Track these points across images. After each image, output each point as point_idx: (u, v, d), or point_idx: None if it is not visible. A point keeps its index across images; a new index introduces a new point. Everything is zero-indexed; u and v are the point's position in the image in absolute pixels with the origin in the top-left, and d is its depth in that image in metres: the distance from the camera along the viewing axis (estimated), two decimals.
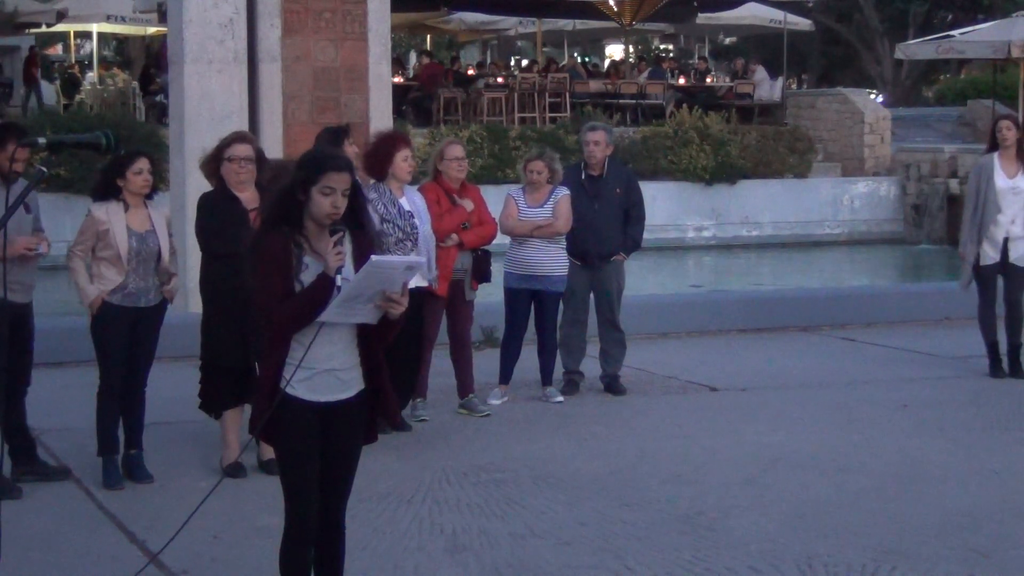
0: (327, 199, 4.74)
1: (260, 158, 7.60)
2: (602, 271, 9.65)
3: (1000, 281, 10.40)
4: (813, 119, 26.55)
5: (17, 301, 7.02)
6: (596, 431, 8.66)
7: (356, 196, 4.85)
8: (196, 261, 7.71)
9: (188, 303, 10.16)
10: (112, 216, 7.19)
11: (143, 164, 7.20)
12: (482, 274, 9.04)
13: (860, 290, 16.02)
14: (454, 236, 8.81)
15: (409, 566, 6.03)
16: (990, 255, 10.25)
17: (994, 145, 10.36)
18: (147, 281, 7.27)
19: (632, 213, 9.70)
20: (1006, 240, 10.21)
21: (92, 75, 29.89)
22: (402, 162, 8.40)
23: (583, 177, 9.68)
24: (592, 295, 9.76)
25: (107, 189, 7.23)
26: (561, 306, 9.69)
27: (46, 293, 11.98)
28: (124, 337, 7.25)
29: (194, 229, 7.65)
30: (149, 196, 7.36)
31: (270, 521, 6.04)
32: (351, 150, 8.23)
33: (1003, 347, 10.41)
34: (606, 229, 9.56)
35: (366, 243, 4.86)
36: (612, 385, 9.76)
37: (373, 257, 4.65)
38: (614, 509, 6.90)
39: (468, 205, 8.89)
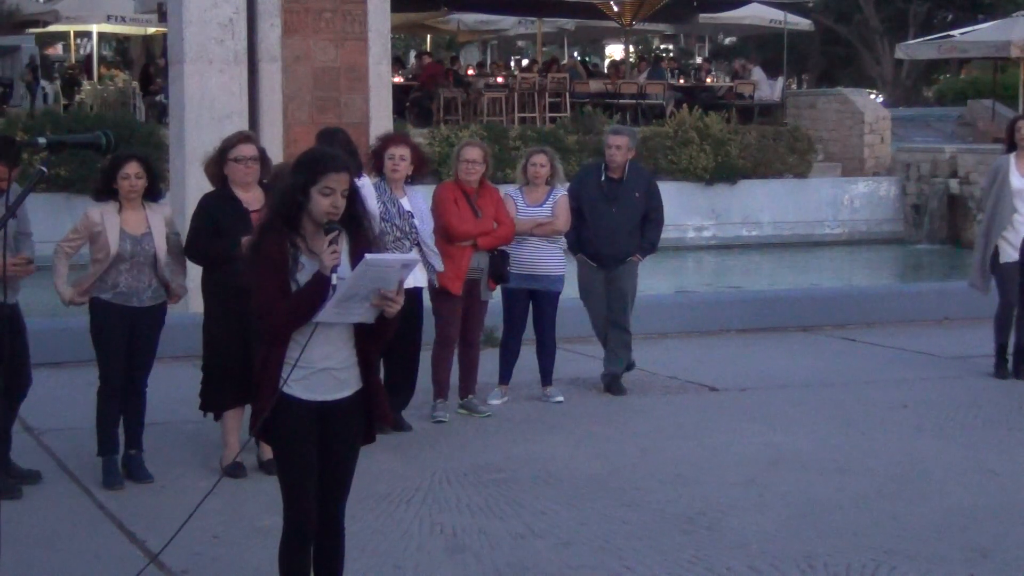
0: (326, 199, 4.74)
1: (263, 157, 7.61)
2: (616, 272, 9.65)
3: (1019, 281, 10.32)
4: (813, 119, 26.54)
5: (6, 302, 7.01)
6: (596, 431, 8.66)
7: (353, 196, 4.86)
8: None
9: (188, 303, 10.14)
10: (106, 217, 7.18)
11: (131, 168, 7.14)
12: (499, 274, 9.03)
13: (860, 290, 16.01)
14: None
15: (409, 566, 6.03)
16: (1010, 253, 10.20)
17: (1011, 146, 10.34)
18: (141, 282, 7.26)
19: (651, 216, 9.70)
20: None
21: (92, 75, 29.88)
22: (387, 160, 8.49)
23: (603, 179, 9.66)
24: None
25: (105, 190, 7.23)
26: (584, 309, 9.75)
27: (46, 293, 12.00)
28: (122, 336, 7.25)
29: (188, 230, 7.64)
30: (153, 198, 7.33)
31: (270, 521, 6.04)
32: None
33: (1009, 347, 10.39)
34: (623, 232, 9.55)
35: (364, 243, 4.86)
36: (612, 385, 9.76)
37: (368, 256, 4.65)
38: (614, 509, 6.90)
39: (490, 224, 8.89)
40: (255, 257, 4.80)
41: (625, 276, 9.69)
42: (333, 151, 5.57)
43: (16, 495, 6.96)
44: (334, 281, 4.70)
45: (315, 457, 4.86)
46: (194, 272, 7.66)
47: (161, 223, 7.31)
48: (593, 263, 9.61)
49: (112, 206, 7.19)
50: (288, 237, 4.78)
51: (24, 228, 7.25)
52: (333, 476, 4.93)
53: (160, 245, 7.25)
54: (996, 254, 10.23)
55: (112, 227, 7.16)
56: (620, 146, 9.61)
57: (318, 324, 4.73)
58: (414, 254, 8.18)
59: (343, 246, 4.80)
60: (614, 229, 9.52)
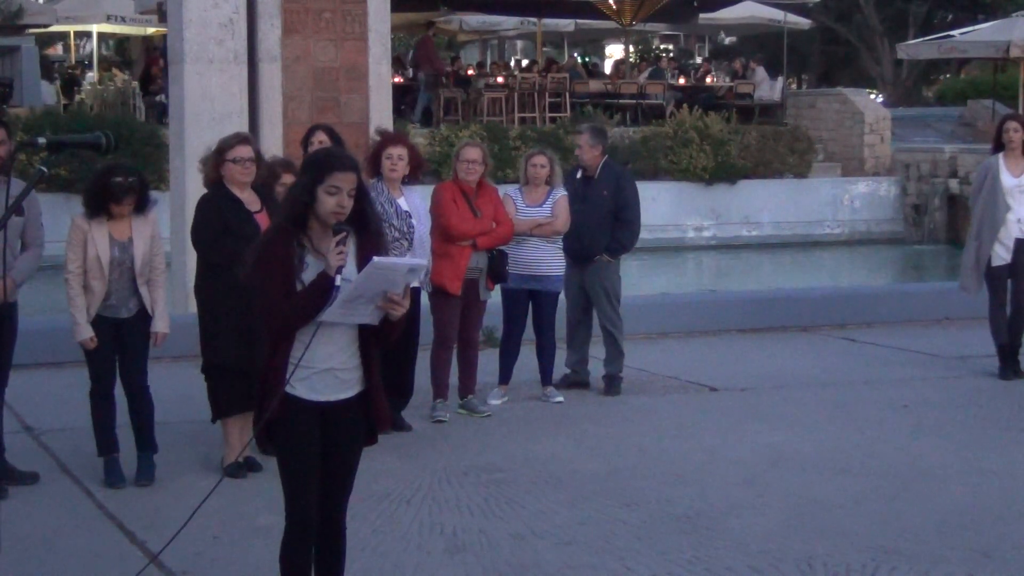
0: (333, 198, 4.74)
1: (258, 158, 7.61)
2: (588, 272, 9.66)
3: (1009, 282, 10.31)
4: (813, 119, 26.55)
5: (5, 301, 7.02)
6: (596, 431, 8.66)
7: (362, 197, 4.85)
8: (194, 261, 7.70)
9: (188, 303, 10.15)
10: (94, 225, 7.17)
11: (129, 200, 7.12)
12: (498, 274, 9.04)
13: (860, 290, 16.01)
14: None
15: (409, 566, 6.03)
16: (1001, 256, 10.20)
17: (999, 146, 10.34)
18: (127, 291, 7.25)
19: (621, 215, 9.67)
20: (1019, 241, 10.16)
21: (92, 75, 29.90)
22: (385, 160, 8.47)
23: (578, 177, 9.73)
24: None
25: (98, 207, 7.19)
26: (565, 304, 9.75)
27: (45, 293, 11.98)
28: (110, 343, 7.26)
29: (191, 231, 7.63)
30: (140, 210, 7.30)
31: (270, 521, 6.04)
32: (318, 141, 8.41)
33: None
34: (588, 230, 9.54)
35: (371, 244, 4.86)
36: (607, 386, 9.76)
37: (375, 258, 4.65)
38: (614, 509, 6.90)
39: (489, 224, 8.90)
40: (262, 256, 4.80)
41: (595, 276, 9.67)
42: (341, 151, 5.56)
43: (2, 495, 6.96)
44: (338, 282, 4.70)
45: (317, 457, 4.86)
46: (193, 273, 7.65)
47: (146, 232, 7.28)
48: (568, 260, 9.63)
49: (99, 216, 7.18)
50: (296, 237, 4.79)
51: (33, 225, 7.25)
52: (335, 476, 4.93)
53: (140, 253, 7.23)
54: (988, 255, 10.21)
55: (100, 234, 7.15)
56: (580, 144, 9.79)
57: (321, 324, 4.73)
58: (422, 259, 8.15)
59: (350, 247, 4.81)
60: (579, 226, 9.50)
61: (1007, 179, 10.20)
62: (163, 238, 7.67)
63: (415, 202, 8.60)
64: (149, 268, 7.29)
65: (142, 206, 7.26)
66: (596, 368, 9.92)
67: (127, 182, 7.14)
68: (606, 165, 9.81)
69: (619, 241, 9.70)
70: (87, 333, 7.20)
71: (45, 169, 4.74)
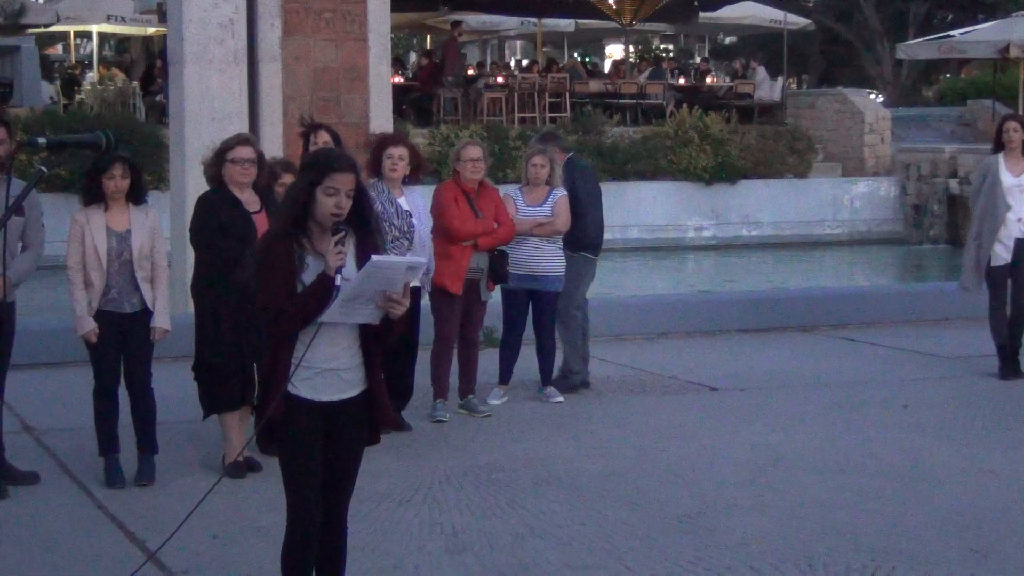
0: (331, 199, 4.74)
1: (260, 160, 7.61)
2: None
3: (1009, 282, 10.30)
4: (813, 119, 26.56)
5: (5, 301, 7.02)
6: (596, 431, 8.66)
7: (362, 197, 4.85)
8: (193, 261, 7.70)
9: (188, 303, 10.14)
10: (91, 217, 7.18)
11: (116, 170, 7.11)
12: (499, 275, 9.04)
13: (860, 290, 16.04)
14: None
15: (409, 566, 6.04)
16: (1001, 255, 10.20)
17: (999, 146, 10.35)
18: (130, 284, 7.25)
19: (576, 211, 9.57)
20: (1020, 241, 10.16)
21: (92, 75, 29.88)
22: (386, 160, 8.48)
23: None
24: None
25: (92, 193, 7.20)
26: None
27: (46, 293, 11.99)
28: (114, 340, 7.25)
29: (189, 230, 7.64)
30: (137, 200, 7.31)
31: (270, 521, 6.05)
32: (322, 140, 8.40)
33: None
34: None
35: (371, 244, 4.86)
36: (560, 382, 9.70)
37: (374, 257, 4.65)
38: (614, 509, 6.90)
39: (491, 224, 8.90)
40: (263, 258, 4.80)
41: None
42: (339, 151, 5.56)
43: (3, 495, 6.96)
44: (338, 282, 4.70)
45: (319, 457, 4.86)
46: (190, 275, 7.65)
47: (144, 224, 7.27)
48: None
49: (96, 206, 7.19)
50: (295, 237, 4.79)
51: (34, 226, 7.25)
52: (337, 476, 4.93)
53: (138, 244, 7.22)
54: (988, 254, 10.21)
55: (98, 225, 7.16)
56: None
57: (322, 324, 4.73)
58: (421, 257, 8.16)
59: (350, 247, 4.81)
60: None
61: (1007, 179, 10.20)
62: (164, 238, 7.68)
63: (416, 202, 8.60)
64: (150, 264, 7.29)
65: (138, 194, 7.26)
66: (596, 368, 9.92)
67: (117, 155, 7.14)
68: (568, 163, 9.82)
69: (576, 236, 9.66)
70: (89, 326, 7.19)
71: (45, 169, 4.75)
